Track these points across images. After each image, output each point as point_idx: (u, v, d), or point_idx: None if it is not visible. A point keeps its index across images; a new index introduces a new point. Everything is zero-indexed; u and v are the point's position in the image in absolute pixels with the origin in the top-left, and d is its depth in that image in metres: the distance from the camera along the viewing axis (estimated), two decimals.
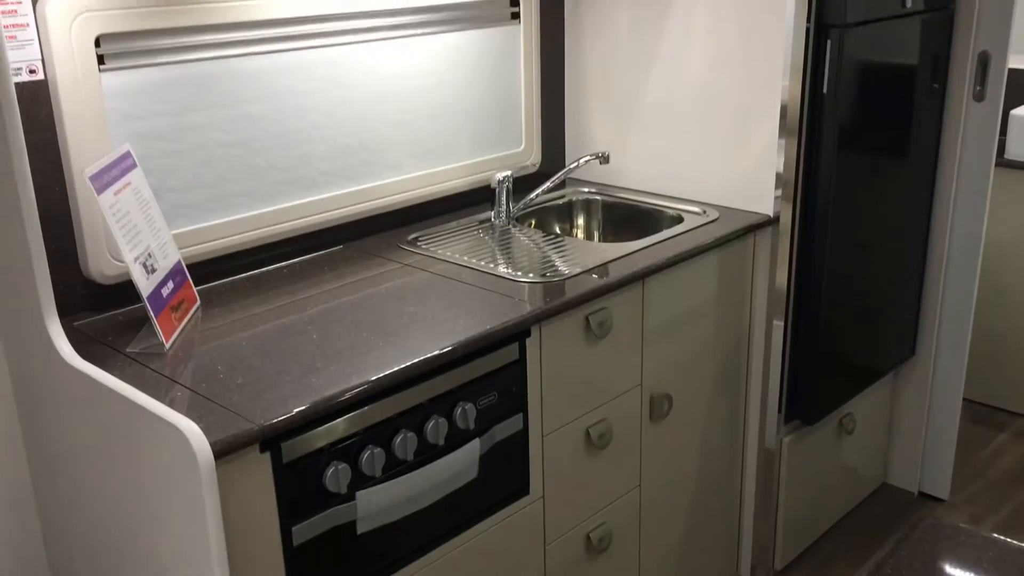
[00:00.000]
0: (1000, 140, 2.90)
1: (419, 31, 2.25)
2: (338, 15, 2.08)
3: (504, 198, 2.40)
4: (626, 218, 2.56)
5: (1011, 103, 3.40)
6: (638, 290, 2.10)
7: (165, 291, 1.72)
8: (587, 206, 2.63)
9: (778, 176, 2.34)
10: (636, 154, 2.61)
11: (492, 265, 2.09)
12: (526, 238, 2.32)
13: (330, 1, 2.05)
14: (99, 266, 1.79)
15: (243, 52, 1.94)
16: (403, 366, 1.61)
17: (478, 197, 2.52)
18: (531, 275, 2.03)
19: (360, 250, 2.22)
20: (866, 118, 2.43)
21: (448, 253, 2.17)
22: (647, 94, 2.54)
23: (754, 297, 2.47)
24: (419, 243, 2.24)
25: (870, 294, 2.68)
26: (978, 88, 2.67)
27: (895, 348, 2.89)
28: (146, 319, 1.77)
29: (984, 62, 2.65)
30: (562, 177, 2.47)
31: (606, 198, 2.60)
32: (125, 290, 1.84)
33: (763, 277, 2.44)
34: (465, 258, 2.13)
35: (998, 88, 2.67)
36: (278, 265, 2.13)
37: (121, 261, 1.79)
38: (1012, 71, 2.90)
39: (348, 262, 2.15)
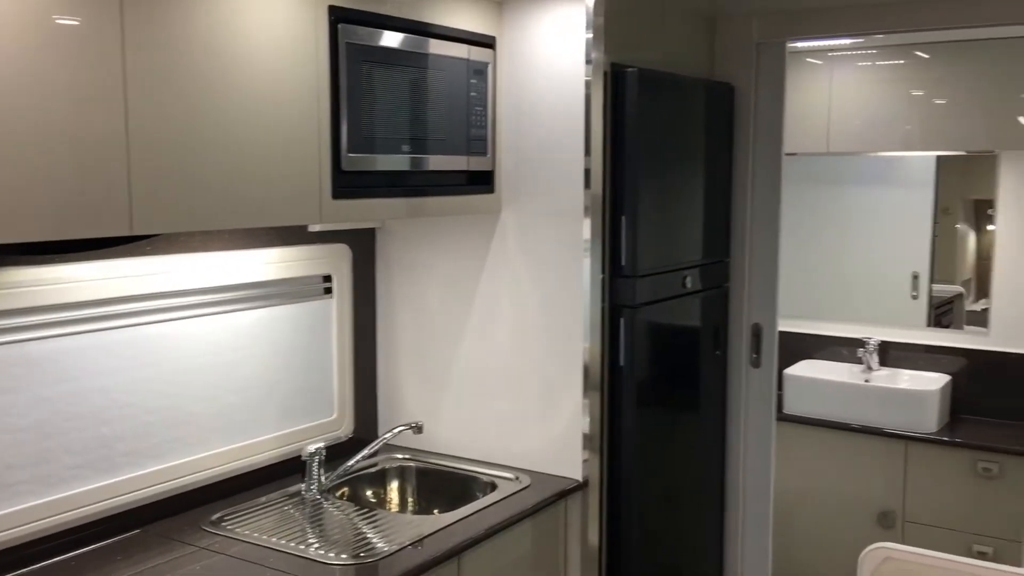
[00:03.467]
0: (778, 396, 3.18)
1: (229, 308, 2.27)
2: (144, 295, 2.07)
3: (316, 470, 2.36)
4: (440, 485, 2.56)
5: (786, 361, 3.74)
6: (454, 565, 2.08)
7: None
8: (401, 473, 2.62)
9: (585, 438, 2.44)
10: (449, 420, 2.66)
11: (302, 546, 2.02)
12: (338, 511, 2.27)
13: (136, 282, 2.05)
14: None
15: (40, 335, 1.88)
16: None
17: (289, 468, 2.46)
18: (343, 556, 1.97)
19: (158, 534, 2.09)
20: (661, 383, 2.61)
21: (255, 534, 2.08)
22: (458, 363, 2.63)
23: (568, 557, 2.49)
24: (223, 523, 2.14)
25: (677, 548, 2.76)
26: (754, 356, 2.95)
27: None
28: None
29: (757, 333, 2.95)
30: (375, 448, 2.47)
31: (420, 465, 2.61)
32: None
33: (576, 537, 2.48)
34: (273, 539, 2.05)
35: (771, 355, 2.96)
36: (66, 556, 1.96)
37: None
38: (783, 333, 3.24)
39: (144, 548, 2.01)
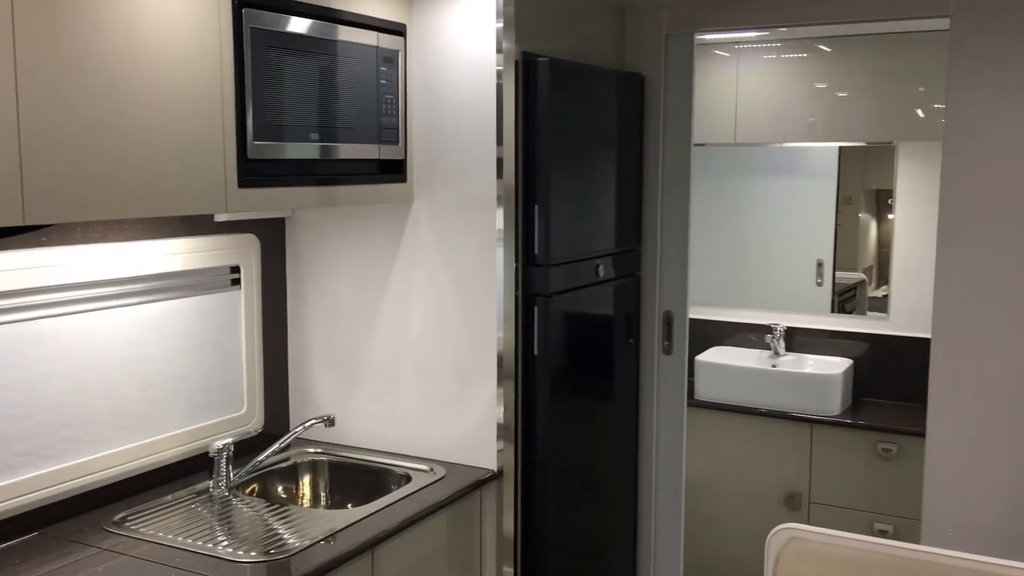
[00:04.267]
0: (690, 382, 3.24)
1: (131, 301, 2.19)
2: (39, 288, 1.99)
3: (224, 466, 2.30)
4: (354, 479, 2.53)
5: (697, 348, 3.81)
6: (368, 559, 2.06)
7: None
8: (313, 467, 2.58)
9: (500, 427, 2.44)
10: (363, 413, 2.63)
11: (211, 544, 1.97)
12: (248, 508, 2.22)
13: (30, 275, 1.96)
14: None
15: None
16: None
17: (196, 465, 2.40)
18: (253, 553, 1.93)
19: (58, 536, 2.01)
20: (575, 371, 2.63)
21: (160, 534, 2.02)
22: (371, 355, 2.60)
23: (483, 547, 2.49)
24: (127, 523, 2.07)
25: (591, 534, 2.79)
26: (666, 343, 3.00)
27: None
28: None
29: (668, 320, 3.00)
30: (286, 442, 2.43)
31: (333, 458, 2.57)
32: None
33: (491, 527, 2.48)
34: (180, 538, 1.99)
35: (683, 342, 3.01)
36: None
37: None
38: (694, 321, 3.30)
39: (43, 551, 1.94)
